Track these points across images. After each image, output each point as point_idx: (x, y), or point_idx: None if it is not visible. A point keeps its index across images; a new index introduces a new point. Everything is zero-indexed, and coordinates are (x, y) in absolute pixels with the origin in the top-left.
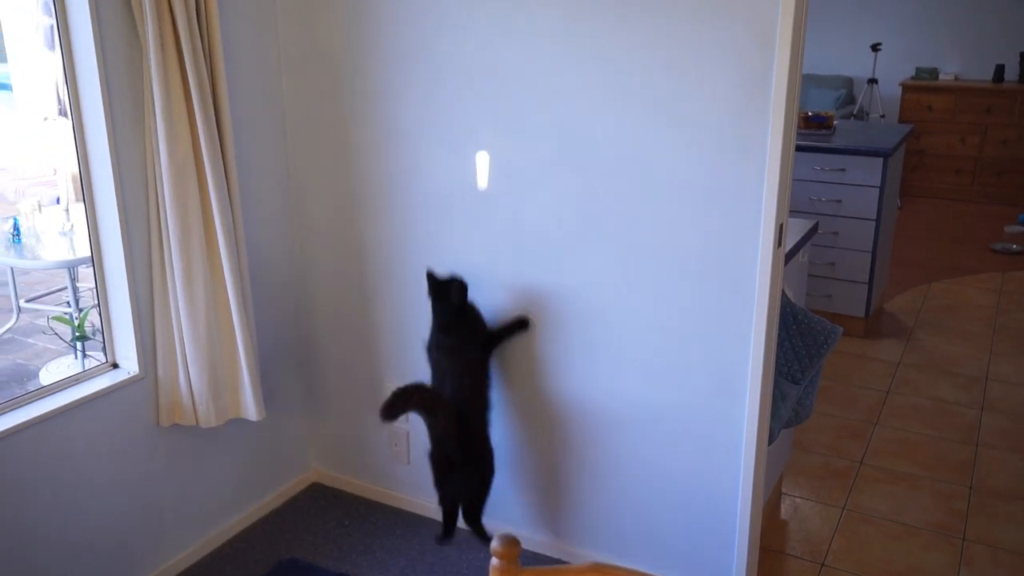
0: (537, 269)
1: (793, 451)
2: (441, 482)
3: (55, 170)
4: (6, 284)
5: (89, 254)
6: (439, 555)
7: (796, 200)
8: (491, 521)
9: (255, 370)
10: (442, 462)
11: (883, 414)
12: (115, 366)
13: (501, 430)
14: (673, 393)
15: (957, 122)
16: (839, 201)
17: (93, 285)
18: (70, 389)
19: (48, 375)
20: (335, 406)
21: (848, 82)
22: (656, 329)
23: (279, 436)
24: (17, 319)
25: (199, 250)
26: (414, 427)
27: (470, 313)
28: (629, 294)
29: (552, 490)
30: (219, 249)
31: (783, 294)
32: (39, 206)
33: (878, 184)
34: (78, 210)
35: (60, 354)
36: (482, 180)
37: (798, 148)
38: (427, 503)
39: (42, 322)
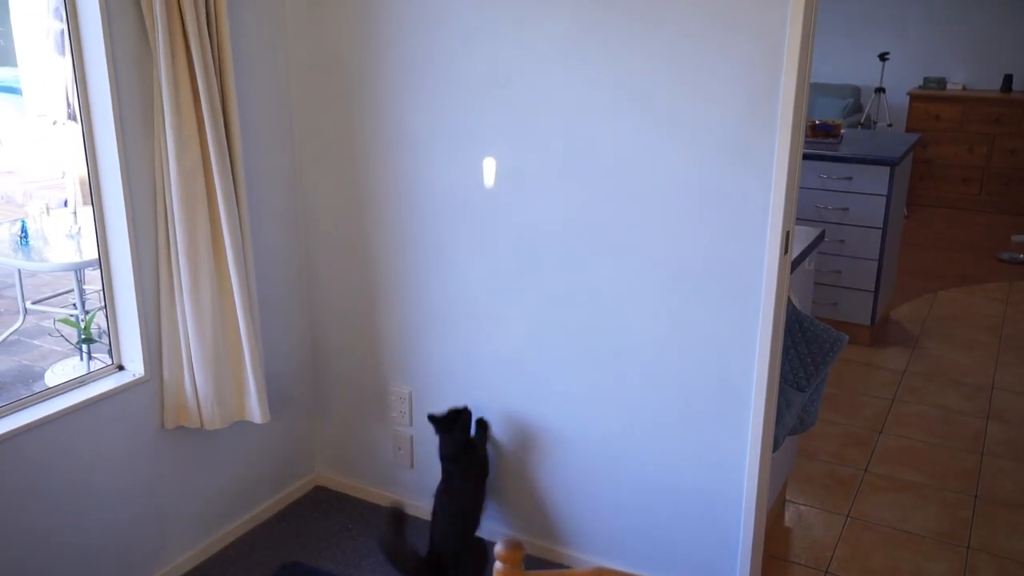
0: (543, 276)
1: (798, 458)
2: None
3: (63, 173)
4: (13, 286)
5: (96, 257)
6: None
7: (803, 208)
8: (495, 526)
9: (260, 373)
10: None
11: (888, 422)
12: (120, 368)
13: (504, 434)
14: (678, 399)
15: (965, 132)
16: (846, 209)
17: (100, 288)
18: (75, 391)
19: (53, 377)
20: (339, 410)
21: (856, 91)
22: (662, 335)
23: (283, 439)
24: (23, 321)
25: (206, 254)
26: (418, 432)
27: (477, 447)
28: (636, 299)
29: (556, 495)
30: (226, 253)
31: (789, 301)
32: (47, 209)
33: (885, 193)
34: (85, 213)
35: (66, 356)
36: (490, 189)
37: (805, 156)
38: (430, 507)
39: (48, 324)
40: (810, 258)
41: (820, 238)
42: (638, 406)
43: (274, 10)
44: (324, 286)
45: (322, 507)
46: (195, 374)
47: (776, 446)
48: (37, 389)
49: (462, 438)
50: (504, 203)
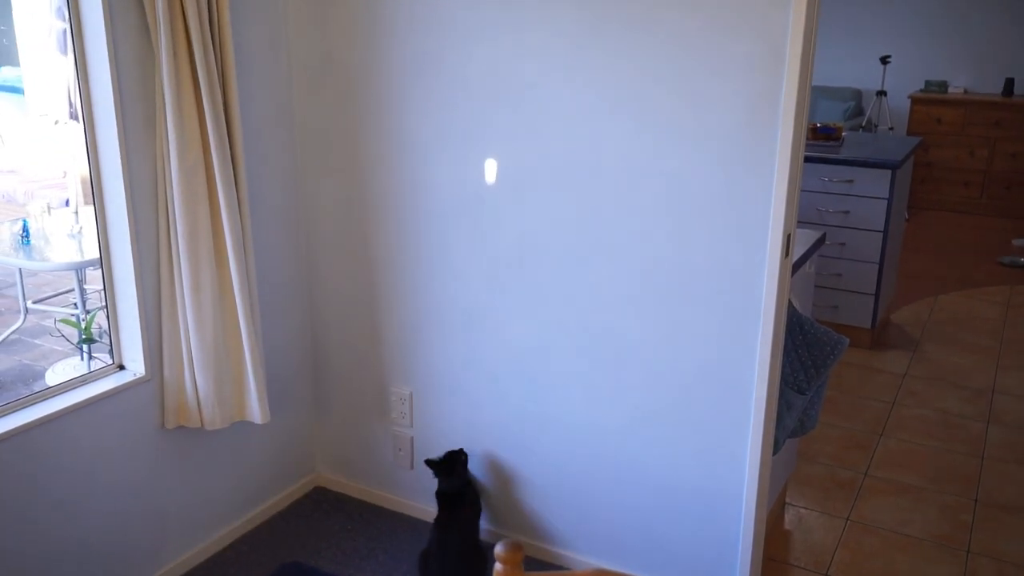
0: (544, 277)
1: (798, 461)
2: None
3: (65, 173)
4: (14, 285)
5: (97, 256)
6: None
7: (804, 211)
8: (495, 527)
9: (261, 373)
10: None
11: (888, 425)
12: (121, 368)
13: (504, 435)
14: (679, 401)
15: (966, 135)
16: (847, 212)
17: (101, 287)
18: (76, 390)
19: (54, 376)
20: (340, 410)
21: (857, 94)
22: (662, 337)
23: (284, 439)
24: (24, 320)
25: (207, 254)
26: (418, 432)
27: (470, 491)
28: (636, 301)
29: (556, 497)
30: (227, 253)
31: (790, 304)
32: (48, 208)
33: (886, 196)
34: (87, 213)
35: (66, 355)
36: (490, 190)
37: (806, 159)
38: (430, 508)
39: (49, 323)
40: (811, 261)
41: (821, 241)
42: (638, 408)
43: (276, 10)
44: (325, 286)
45: (322, 507)
46: (196, 374)
47: (776, 449)
48: (38, 388)
49: (460, 481)
50: (505, 204)
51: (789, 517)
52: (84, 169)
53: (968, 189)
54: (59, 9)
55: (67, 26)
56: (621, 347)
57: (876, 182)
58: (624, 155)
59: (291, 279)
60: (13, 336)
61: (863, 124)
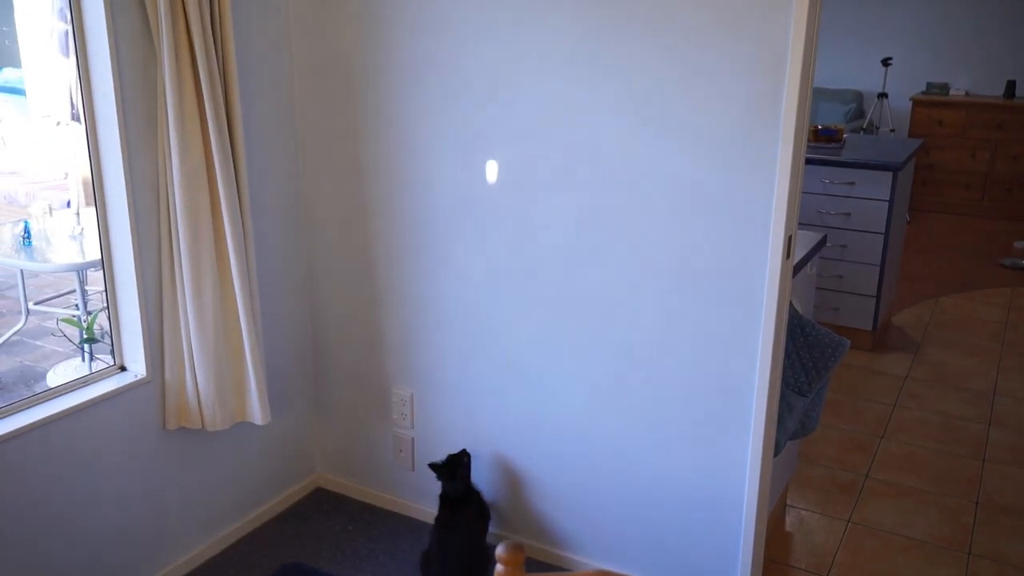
0: (545, 279)
1: (799, 463)
2: None
3: (66, 174)
4: (16, 286)
5: (98, 257)
6: None
7: (805, 213)
8: (496, 528)
9: (262, 374)
10: None
11: (890, 428)
12: (123, 369)
13: (505, 437)
14: (680, 403)
15: (967, 137)
16: (848, 214)
17: (102, 288)
18: (77, 391)
19: (55, 377)
20: (341, 411)
21: (858, 96)
22: (663, 339)
23: (284, 440)
24: (26, 321)
25: (208, 255)
26: (419, 433)
27: (475, 497)
28: (637, 303)
29: (557, 498)
30: (228, 255)
31: (791, 306)
32: (50, 209)
33: (887, 198)
34: (88, 214)
35: (68, 357)
36: (492, 191)
37: (807, 161)
38: (431, 509)
39: (50, 324)
40: (812, 263)
41: (822, 243)
42: (639, 409)
43: (278, 12)
44: (326, 288)
45: (323, 508)
46: (197, 375)
47: (777, 451)
48: (39, 390)
49: (463, 484)
50: (506, 205)
51: (790, 519)
52: (86, 170)
53: (969, 191)
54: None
55: (69, 27)
56: (622, 348)
57: (877, 184)
58: (625, 156)
59: (292, 280)
60: (15, 337)
61: (864, 126)
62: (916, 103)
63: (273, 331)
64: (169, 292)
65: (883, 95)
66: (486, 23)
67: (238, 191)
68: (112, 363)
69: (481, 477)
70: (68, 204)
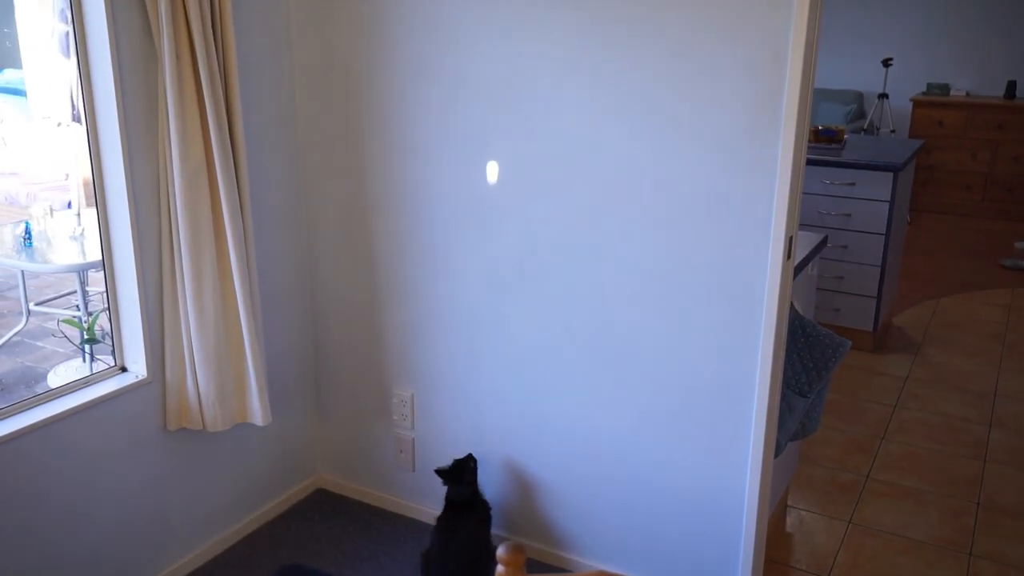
0: (546, 280)
1: (800, 464)
2: None
3: (67, 175)
4: (16, 287)
5: (99, 258)
6: None
7: (805, 214)
8: (496, 529)
9: (262, 375)
10: None
11: (890, 428)
12: (123, 370)
13: (506, 438)
14: (680, 403)
15: (968, 138)
16: (848, 215)
17: (103, 289)
18: (78, 392)
19: (56, 378)
20: (341, 412)
21: (859, 97)
22: (664, 340)
23: (285, 441)
24: (26, 322)
25: (209, 256)
26: (420, 434)
27: (479, 503)
28: (638, 304)
29: (558, 499)
30: (229, 255)
31: (792, 307)
32: (50, 210)
33: (888, 199)
34: (89, 215)
35: (68, 357)
36: (493, 192)
37: (808, 162)
38: (432, 510)
39: (51, 325)
40: (813, 263)
41: (823, 244)
42: (640, 410)
43: (278, 13)
44: (327, 288)
45: (323, 509)
46: (197, 376)
47: (778, 451)
48: (40, 391)
49: (468, 489)
50: (507, 206)
51: (791, 520)
52: (86, 171)
53: (970, 192)
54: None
55: (70, 28)
56: (623, 349)
57: (878, 185)
58: (626, 158)
59: (293, 281)
60: (15, 338)
61: (865, 127)
62: (917, 104)
63: (274, 332)
64: (170, 293)
65: (884, 96)
66: (487, 24)
67: (239, 191)
68: (113, 364)
69: (481, 477)
70: (69, 205)
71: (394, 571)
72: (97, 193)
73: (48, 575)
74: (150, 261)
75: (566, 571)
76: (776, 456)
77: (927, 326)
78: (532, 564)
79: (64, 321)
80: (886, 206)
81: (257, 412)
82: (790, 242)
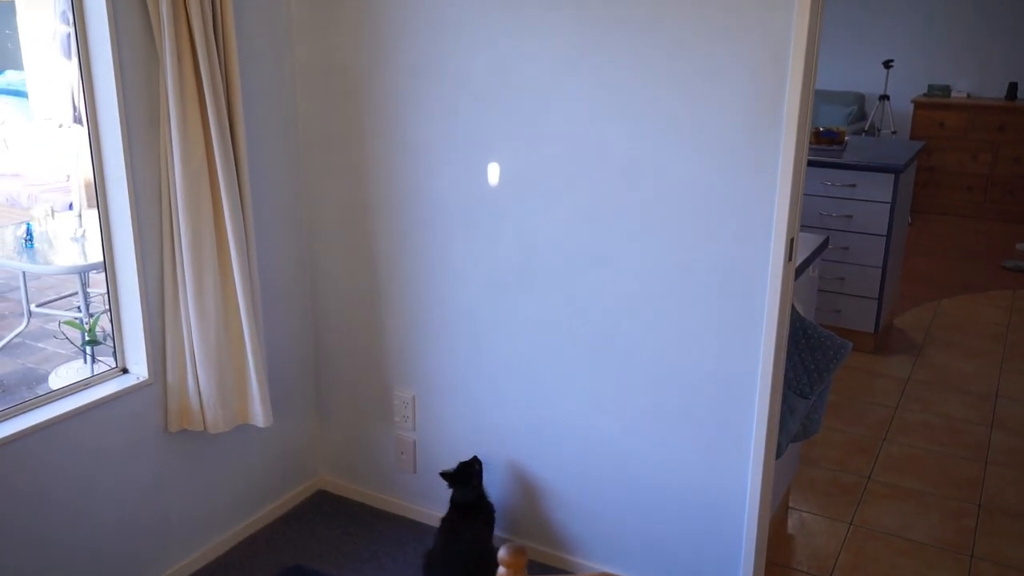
0: (547, 281)
1: (801, 465)
2: None
3: (68, 176)
4: (18, 288)
5: (101, 260)
6: None
7: (806, 215)
8: (498, 531)
9: (264, 376)
10: None
11: (892, 430)
12: (125, 371)
13: (508, 439)
14: (682, 405)
15: (969, 139)
16: (850, 216)
17: (104, 290)
18: (79, 393)
19: (57, 379)
20: (342, 413)
21: (860, 98)
22: (665, 342)
23: (286, 443)
24: (28, 323)
25: (211, 257)
26: (421, 435)
27: (485, 505)
28: (638, 306)
29: (559, 501)
30: (231, 257)
31: (793, 308)
32: (52, 212)
33: (889, 200)
34: (90, 216)
35: (70, 359)
36: (493, 193)
37: (809, 163)
38: (433, 512)
39: (52, 327)
40: (814, 265)
41: (824, 245)
42: (641, 411)
43: (279, 14)
44: (327, 289)
45: (324, 511)
46: (199, 377)
47: (779, 453)
48: (41, 392)
49: (474, 492)
50: (508, 208)
51: (792, 521)
52: (88, 172)
53: (971, 193)
54: (63, 13)
55: (71, 30)
56: (624, 351)
57: (879, 186)
58: (627, 159)
59: (294, 282)
60: (16, 339)
61: (866, 128)
62: (918, 105)
63: (275, 333)
64: (171, 294)
65: (884, 97)
66: (487, 25)
67: (240, 193)
68: (114, 365)
69: (484, 479)
70: (70, 206)
71: (395, 572)
72: (98, 194)
73: (48, 575)
74: (151, 262)
75: (568, 573)
76: (777, 457)
77: (928, 327)
78: (533, 566)
79: (65, 323)
80: (887, 207)
81: (258, 413)
82: (791, 243)
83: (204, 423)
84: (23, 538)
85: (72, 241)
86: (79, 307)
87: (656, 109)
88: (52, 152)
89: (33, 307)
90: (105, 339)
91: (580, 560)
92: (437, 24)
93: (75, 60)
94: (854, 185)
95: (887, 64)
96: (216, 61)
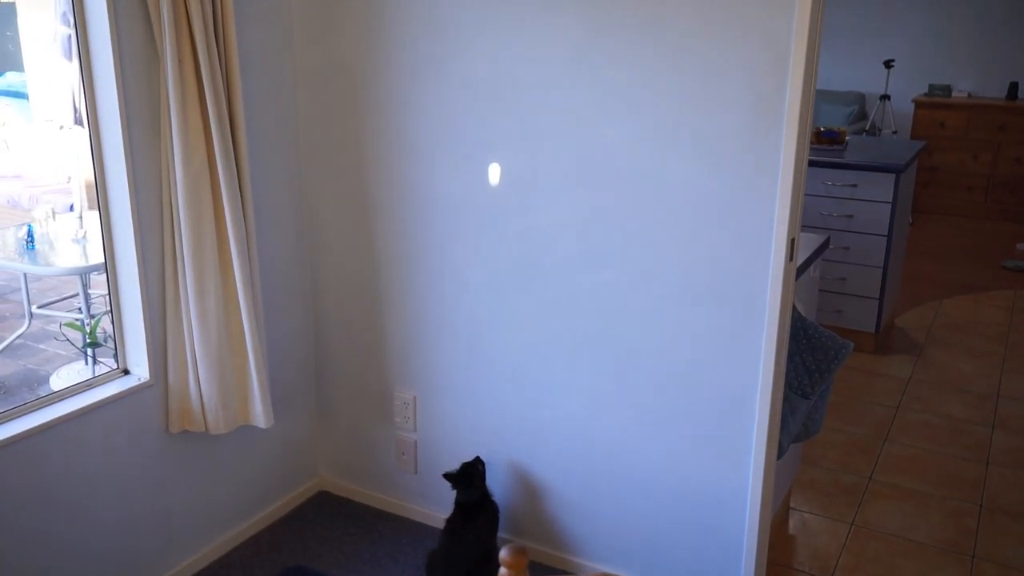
0: (548, 282)
1: (802, 465)
2: None
3: (69, 178)
4: (19, 290)
5: (102, 261)
6: None
7: (807, 215)
8: (500, 532)
9: (265, 378)
10: None
11: (893, 430)
12: (126, 372)
13: (508, 440)
14: (682, 405)
15: (970, 139)
16: (851, 216)
17: (105, 292)
18: (81, 395)
19: (59, 381)
20: (344, 414)
21: (860, 98)
22: (666, 341)
23: (287, 443)
24: (29, 325)
25: (212, 259)
26: (422, 436)
27: (489, 505)
28: (639, 305)
29: (560, 501)
30: (232, 258)
31: (794, 308)
32: (53, 213)
33: (890, 200)
34: (91, 217)
35: (71, 360)
36: (494, 195)
37: (810, 163)
38: (434, 512)
39: (53, 328)
40: (815, 265)
41: (825, 245)
42: (642, 411)
43: (281, 16)
44: (329, 291)
45: (325, 512)
46: (200, 378)
47: (780, 453)
48: (42, 393)
49: (478, 492)
50: (509, 209)
51: (793, 522)
52: (89, 174)
53: (972, 193)
54: (64, 14)
55: (72, 31)
56: (625, 352)
57: (880, 186)
58: (628, 159)
59: (295, 283)
60: (18, 341)
61: (866, 128)
62: (918, 105)
63: (276, 334)
64: (172, 295)
65: (885, 97)
66: (488, 26)
67: (241, 194)
68: (115, 367)
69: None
70: (71, 208)
71: (396, 573)
72: (99, 196)
73: None
74: (152, 263)
75: (569, 573)
76: (778, 458)
77: (929, 327)
78: (535, 566)
79: (66, 324)
80: (888, 207)
81: (259, 414)
82: (792, 243)
83: (205, 424)
84: (24, 539)
85: (73, 242)
86: (80, 308)
87: (657, 109)
88: (53, 153)
89: (34, 308)
90: (106, 340)
91: (581, 560)
92: (438, 24)
93: (76, 62)
94: (855, 185)
95: (888, 64)
96: (217, 62)
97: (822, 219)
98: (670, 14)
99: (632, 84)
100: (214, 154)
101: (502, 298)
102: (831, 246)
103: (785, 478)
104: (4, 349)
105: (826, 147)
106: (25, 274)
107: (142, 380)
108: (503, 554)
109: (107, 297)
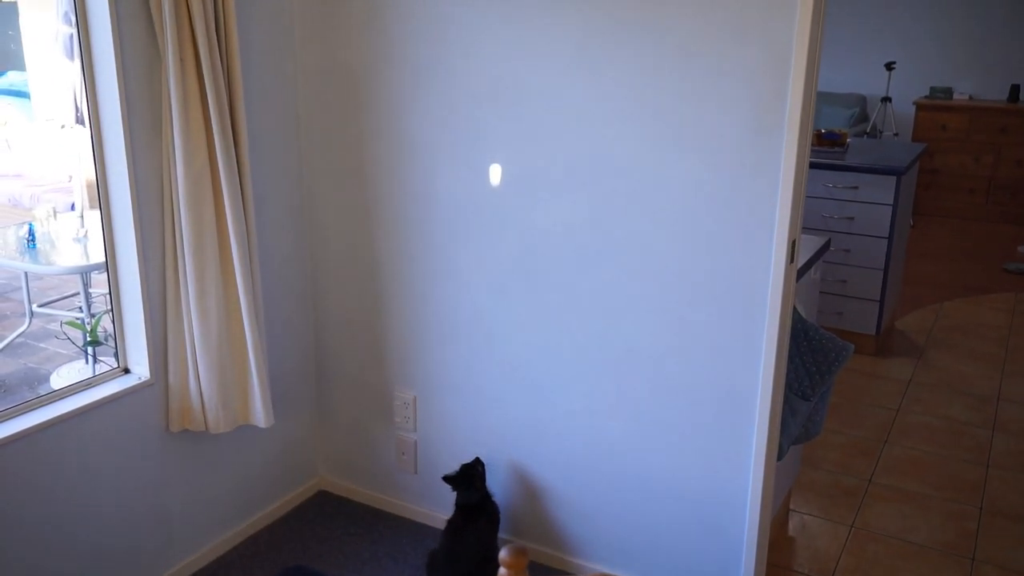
0: (548, 283)
1: (802, 467)
2: None
3: (70, 177)
4: (20, 289)
5: (103, 260)
6: None
7: (808, 217)
8: (500, 532)
9: (265, 377)
10: None
11: (893, 432)
12: (126, 371)
13: (509, 441)
14: (683, 407)
15: (971, 141)
16: (851, 219)
17: (106, 291)
18: (81, 393)
19: (59, 379)
20: (344, 414)
21: (861, 100)
22: (667, 343)
23: (287, 443)
24: (30, 324)
25: (212, 258)
26: (422, 436)
27: (490, 505)
28: (640, 307)
29: (560, 502)
30: (232, 258)
31: (795, 310)
32: (54, 212)
33: (891, 202)
34: (93, 217)
35: (71, 359)
36: (495, 195)
37: (811, 165)
38: (433, 513)
39: (54, 327)
40: (816, 267)
41: (826, 247)
42: (642, 414)
43: (282, 16)
44: (329, 291)
45: (325, 511)
46: (200, 378)
47: (780, 455)
48: (43, 392)
49: (478, 493)
50: (510, 210)
51: (793, 524)
52: (90, 173)
53: (973, 196)
54: (66, 14)
55: (74, 31)
56: (625, 353)
57: (881, 188)
58: (629, 161)
59: (295, 283)
60: (18, 339)
61: (868, 130)
62: (920, 107)
63: (276, 334)
64: (173, 295)
65: (886, 99)
66: (490, 27)
67: (242, 193)
68: (116, 366)
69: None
70: (72, 207)
71: (396, 573)
72: (101, 195)
73: (50, 575)
74: (153, 263)
75: (569, 574)
76: (779, 459)
77: (930, 330)
78: (535, 567)
79: (67, 323)
80: (889, 210)
81: (259, 414)
82: (793, 245)
83: (205, 423)
84: (24, 537)
85: (74, 241)
86: (81, 307)
87: (658, 111)
88: (54, 153)
89: (35, 307)
90: (107, 339)
91: (581, 561)
92: (439, 25)
93: (77, 61)
94: (856, 187)
95: (889, 66)
96: (218, 62)
97: (823, 221)
98: (671, 15)
99: (633, 85)
100: (215, 153)
101: (502, 298)
102: (832, 248)
103: (785, 480)
104: (5, 348)
105: (827, 149)
106: (26, 273)
107: (142, 379)
108: (503, 554)
109: (108, 296)
